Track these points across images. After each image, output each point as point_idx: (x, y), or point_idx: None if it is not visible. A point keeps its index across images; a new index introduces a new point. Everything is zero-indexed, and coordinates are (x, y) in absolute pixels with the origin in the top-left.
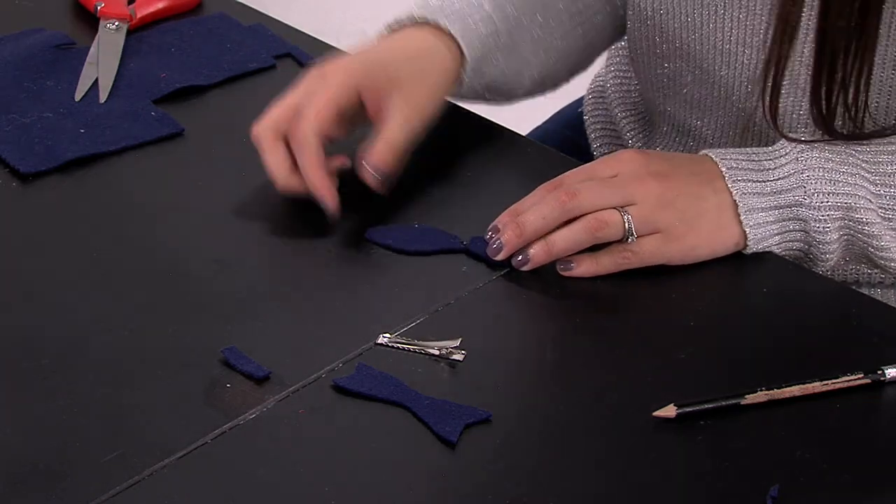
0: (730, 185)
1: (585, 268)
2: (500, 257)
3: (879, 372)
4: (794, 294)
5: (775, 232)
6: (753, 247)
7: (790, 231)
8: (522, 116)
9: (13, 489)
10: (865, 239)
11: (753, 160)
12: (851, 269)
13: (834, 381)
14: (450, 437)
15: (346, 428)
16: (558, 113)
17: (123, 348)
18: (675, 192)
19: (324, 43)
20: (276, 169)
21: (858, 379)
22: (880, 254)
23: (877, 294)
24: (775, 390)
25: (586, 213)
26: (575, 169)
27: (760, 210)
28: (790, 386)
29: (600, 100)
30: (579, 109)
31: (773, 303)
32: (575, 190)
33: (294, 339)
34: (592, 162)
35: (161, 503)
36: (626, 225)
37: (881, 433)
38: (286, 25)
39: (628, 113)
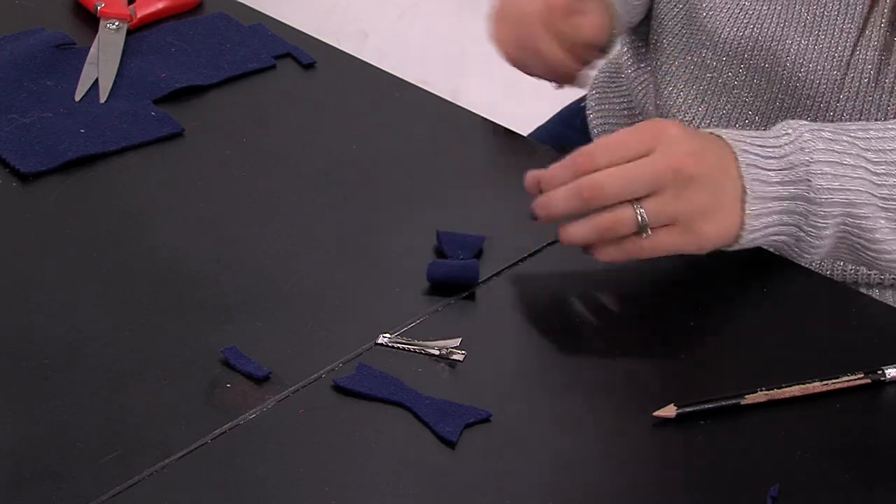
0: (742, 171)
1: (606, 255)
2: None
3: (879, 372)
4: (794, 294)
5: (772, 223)
6: (746, 235)
7: (784, 224)
8: (522, 116)
9: (13, 489)
10: (860, 233)
11: (758, 145)
12: (851, 270)
13: (834, 381)
14: (450, 437)
15: (346, 428)
16: (559, 113)
17: (123, 348)
18: (704, 179)
19: (324, 43)
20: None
21: (858, 379)
22: (874, 246)
23: (877, 294)
24: (775, 390)
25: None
26: (608, 139)
27: (763, 199)
28: (790, 386)
29: (605, 94)
30: (582, 104)
31: (773, 303)
32: (600, 183)
33: (294, 339)
34: (629, 129)
35: (161, 503)
36: (640, 222)
37: (881, 433)
38: (286, 25)
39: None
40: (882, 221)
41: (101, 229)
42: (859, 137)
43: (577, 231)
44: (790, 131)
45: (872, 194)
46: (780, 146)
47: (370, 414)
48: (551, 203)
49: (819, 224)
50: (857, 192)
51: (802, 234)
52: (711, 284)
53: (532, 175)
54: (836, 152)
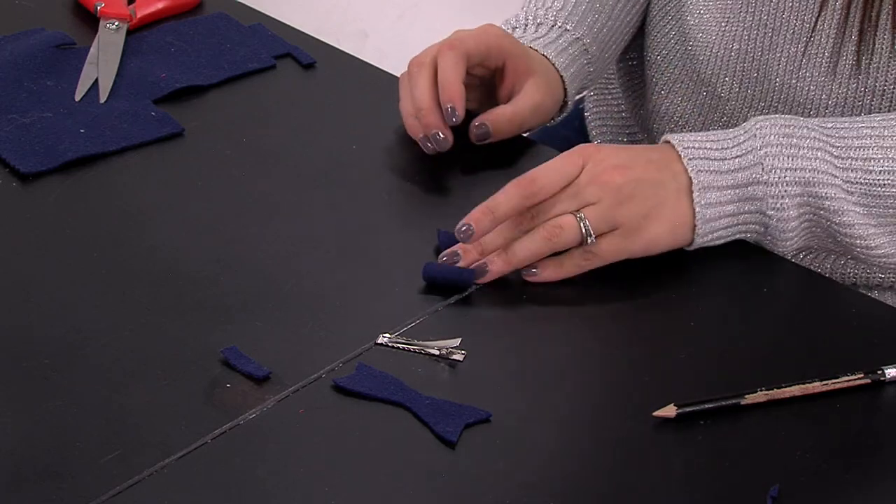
0: (686, 164)
1: (549, 273)
2: (459, 264)
3: (879, 372)
4: (794, 294)
5: (728, 213)
6: (702, 227)
7: (745, 213)
8: None
9: (13, 489)
10: (827, 216)
11: (712, 140)
12: (850, 272)
13: (834, 381)
14: (450, 437)
15: (346, 428)
16: None
17: (123, 348)
18: (634, 184)
19: (324, 43)
20: (427, 101)
21: (858, 379)
22: (844, 230)
23: (877, 296)
24: (775, 390)
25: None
26: (546, 167)
27: (716, 188)
28: (790, 386)
29: (602, 95)
30: (580, 106)
31: (773, 303)
32: (543, 211)
33: (294, 339)
34: (560, 157)
35: (161, 503)
36: (583, 229)
37: (881, 433)
38: (286, 25)
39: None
40: (849, 205)
41: (101, 229)
42: (819, 126)
43: (522, 246)
44: (746, 124)
45: (833, 175)
46: (733, 137)
47: (370, 414)
48: (488, 242)
49: (779, 205)
50: (814, 171)
51: (767, 219)
52: (711, 285)
53: (482, 207)
54: (793, 136)
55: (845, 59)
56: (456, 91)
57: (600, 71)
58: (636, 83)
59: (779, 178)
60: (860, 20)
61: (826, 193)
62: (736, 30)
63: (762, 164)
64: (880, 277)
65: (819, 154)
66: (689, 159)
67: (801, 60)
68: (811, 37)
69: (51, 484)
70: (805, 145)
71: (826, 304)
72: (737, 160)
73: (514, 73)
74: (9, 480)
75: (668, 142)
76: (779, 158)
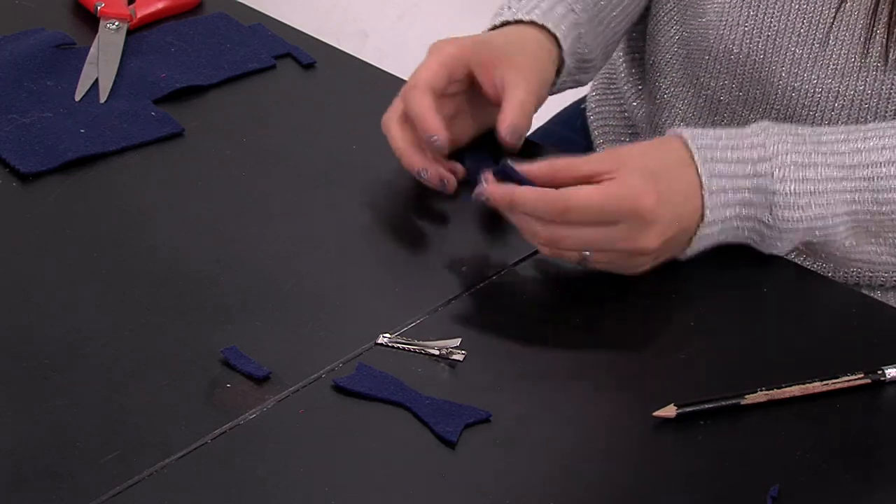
0: (706, 211)
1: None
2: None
3: (879, 372)
4: (795, 294)
5: (719, 240)
6: (689, 252)
7: (734, 238)
8: None
9: (13, 489)
10: (821, 245)
11: (731, 161)
12: (853, 271)
13: (834, 381)
14: (450, 437)
15: (346, 428)
16: (558, 114)
17: (123, 348)
18: (660, 251)
19: (324, 43)
20: (402, 146)
21: (858, 379)
22: (836, 253)
23: (878, 296)
24: (775, 390)
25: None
26: (588, 203)
27: (718, 222)
28: (790, 386)
29: (604, 96)
30: (582, 106)
31: (773, 303)
32: (563, 235)
33: (294, 339)
34: (607, 197)
35: (161, 503)
36: (582, 260)
37: (881, 433)
38: (286, 25)
39: (640, 101)
40: (848, 235)
41: (101, 229)
42: (836, 152)
43: (531, 229)
44: (765, 142)
45: (842, 213)
46: (753, 161)
47: (370, 414)
48: (513, 216)
49: (777, 245)
50: (824, 217)
51: (755, 244)
52: (711, 284)
53: (507, 193)
54: (809, 181)
55: (853, 62)
56: (431, 121)
57: (592, 41)
58: (639, 84)
59: (788, 226)
60: (885, 22)
61: (831, 233)
62: (737, 34)
63: (771, 211)
64: (883, 277)
65: (835, 197)
66: (711, 192)
67: (807, 63)
68: (824, 39)
69: (51, 484)
70: (820, 189)
71: (826, 304)
72: (749, 194)
73: (486, 74)
74: (9, 480)
75: (691, 155)
76: (792, 209)
